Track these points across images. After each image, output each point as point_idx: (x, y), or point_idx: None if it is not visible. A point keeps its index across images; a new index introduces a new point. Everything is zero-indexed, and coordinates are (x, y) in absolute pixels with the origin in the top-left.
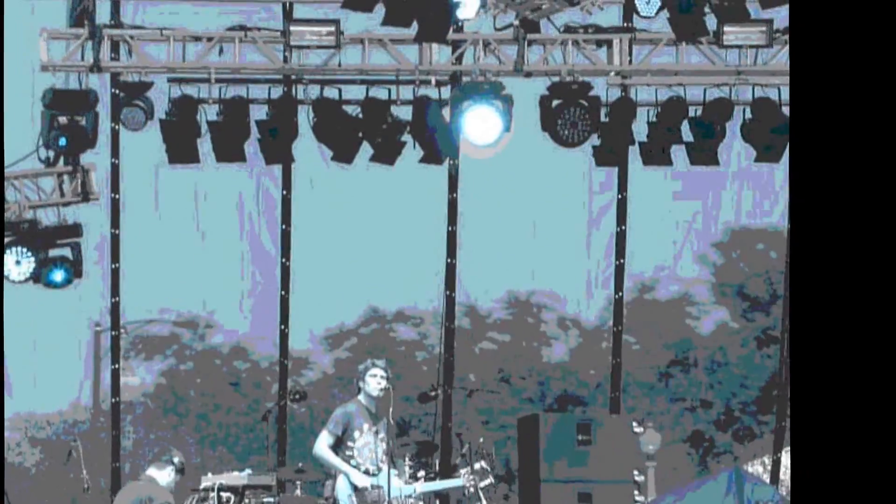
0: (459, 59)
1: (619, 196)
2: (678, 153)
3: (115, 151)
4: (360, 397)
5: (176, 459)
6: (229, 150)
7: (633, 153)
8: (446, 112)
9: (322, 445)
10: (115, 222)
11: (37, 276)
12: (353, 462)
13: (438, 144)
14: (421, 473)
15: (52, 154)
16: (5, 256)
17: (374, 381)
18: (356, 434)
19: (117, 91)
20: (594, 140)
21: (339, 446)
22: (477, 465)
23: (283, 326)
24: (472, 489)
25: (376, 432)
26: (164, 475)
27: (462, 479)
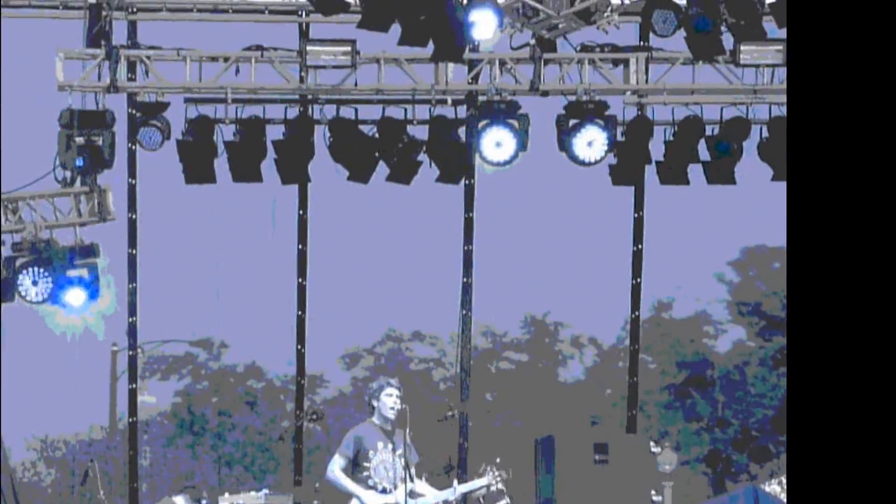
0: (476, 79)
1: (636, 215)
2: (695, 172)
3: (132, 171)
4: (374, 417)
5: (204, 502)
6: (246, 170)
7: (650, 172)
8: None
9: (334, 469)
10: (132, 242)
11: (54, 297)
12: (370, 482)
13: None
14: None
15: (69, 174)
16: (22, 277)
17: (390, 401)
18: (370, 454)
19: (134, 111)
20: (611, 159)
21: (354, 468)
22: (493, 487)
23: (299, 346)
24: (494, 488)
25: (393, 450)
26: None
27: (487, 478)
